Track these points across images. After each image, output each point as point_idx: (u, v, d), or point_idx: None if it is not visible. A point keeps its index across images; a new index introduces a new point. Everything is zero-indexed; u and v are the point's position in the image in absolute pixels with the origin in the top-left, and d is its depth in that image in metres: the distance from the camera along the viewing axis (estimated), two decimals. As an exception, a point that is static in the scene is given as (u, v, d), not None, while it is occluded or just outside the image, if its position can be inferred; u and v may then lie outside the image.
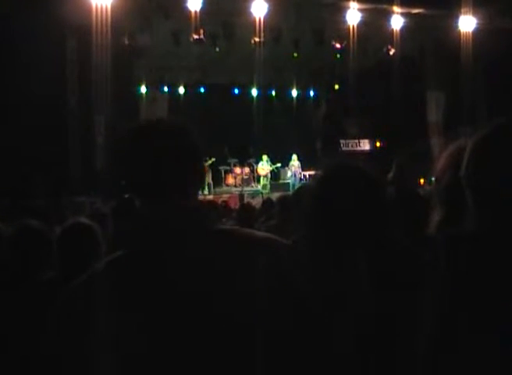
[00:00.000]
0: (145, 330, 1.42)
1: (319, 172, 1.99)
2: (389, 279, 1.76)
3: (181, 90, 21.41)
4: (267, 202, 7.40)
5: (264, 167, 20.44)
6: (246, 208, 6.71)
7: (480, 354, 1.33)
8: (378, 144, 21.46)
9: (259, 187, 20.45)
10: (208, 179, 19.62)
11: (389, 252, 1.83)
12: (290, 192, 11.78)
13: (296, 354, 1.49)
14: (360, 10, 15.36)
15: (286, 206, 4.70)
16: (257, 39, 15.28)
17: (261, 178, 20.56)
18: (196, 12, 13.92)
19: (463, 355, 1.35)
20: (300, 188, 4.31)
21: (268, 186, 20.10)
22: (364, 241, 1.82)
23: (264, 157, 20.37)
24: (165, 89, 20.95)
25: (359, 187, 1.86)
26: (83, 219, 3.41)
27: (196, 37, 14.71)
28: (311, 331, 1.53)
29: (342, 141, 21.55)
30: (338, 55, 17.30)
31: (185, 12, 13.98)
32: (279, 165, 20.61)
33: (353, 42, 15.68)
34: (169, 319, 1.42)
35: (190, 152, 1.56)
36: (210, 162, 19.47)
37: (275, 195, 10.28)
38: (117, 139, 1.64)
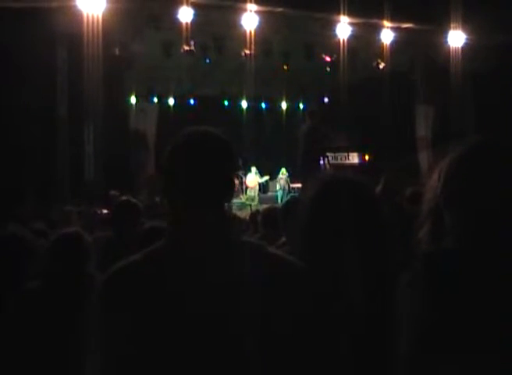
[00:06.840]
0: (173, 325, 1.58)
1: (307, 186, 2.01)
2: (381, 280, 1.76)
3: (171, 101, 21.38)
4: (255, 215, 7.38)
5: (252, 179, 20.40)
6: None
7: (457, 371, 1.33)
8: (367, 157, 21.47)
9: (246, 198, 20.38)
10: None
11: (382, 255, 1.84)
12: (277, 205, 11.76)
13: (296, 357, 1.60)
14: (351, 24, 15.46)
15: (270, 219, 4.65)
16: (247, 51, 15.31)
17: (249, 190, 20.50)
18: (187, 23, 13.96)
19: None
20: (288, 201, 4.28)
21: (257, 198, 20.05)
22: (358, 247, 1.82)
23: (253, 169, 20.33)
24: (155, 100, 20.91)
25: (354, 202, 1.86)
26: (74, 229, 3.38)
27: (186, 48, 14.71)
28: (314, 335, 1.64)
29: (330, 154, 21.52)
30: (328, 69, 17.37)
31: (176, 23, 14.01)
32: (267, 177, 20.59)
33: (343, 56, 15.76)
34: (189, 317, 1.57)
35: (230, 169, 1.76)
36: None
37: (263, 207, 10.27)
38: (171, 147, 1.76)
